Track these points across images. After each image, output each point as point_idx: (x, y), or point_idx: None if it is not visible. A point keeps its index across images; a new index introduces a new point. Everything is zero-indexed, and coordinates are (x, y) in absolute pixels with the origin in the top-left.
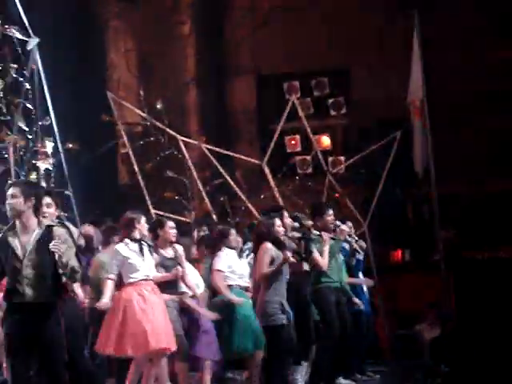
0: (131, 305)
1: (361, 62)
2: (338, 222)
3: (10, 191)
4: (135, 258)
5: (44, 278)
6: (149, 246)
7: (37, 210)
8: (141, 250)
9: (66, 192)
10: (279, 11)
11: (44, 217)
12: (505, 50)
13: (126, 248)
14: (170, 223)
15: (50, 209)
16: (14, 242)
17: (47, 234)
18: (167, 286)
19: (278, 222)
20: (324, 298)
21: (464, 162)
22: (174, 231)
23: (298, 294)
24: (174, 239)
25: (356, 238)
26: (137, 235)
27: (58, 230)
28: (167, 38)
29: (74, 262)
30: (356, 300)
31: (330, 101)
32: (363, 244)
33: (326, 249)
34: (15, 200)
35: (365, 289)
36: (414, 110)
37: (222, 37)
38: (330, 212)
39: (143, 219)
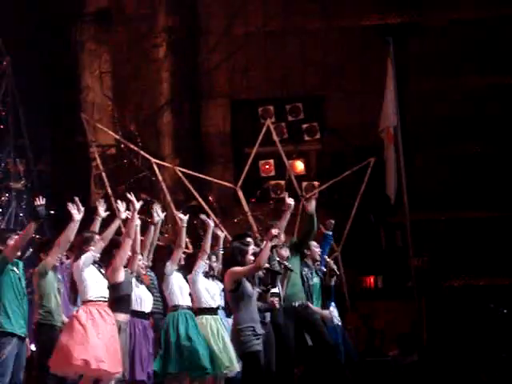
0: (94, 323)
1: (336, 88)
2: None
3: None
4: (96, 272)
5: None
6: (100, 266)
7: None
8: (100, 267)
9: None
10: (255, 36)
11: None
12: (480, 75)
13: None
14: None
15: None
16: None
17: None
18: (120, 306)
19: (251, 249)
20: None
21: (438, 189)
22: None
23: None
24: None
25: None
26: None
27: None
28: (142, 61)
29: None
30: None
31: (305, 126)
32: (335, 267)
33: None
34: None
35: (336, 314)
36: (387, 136)
37: (196, 61)
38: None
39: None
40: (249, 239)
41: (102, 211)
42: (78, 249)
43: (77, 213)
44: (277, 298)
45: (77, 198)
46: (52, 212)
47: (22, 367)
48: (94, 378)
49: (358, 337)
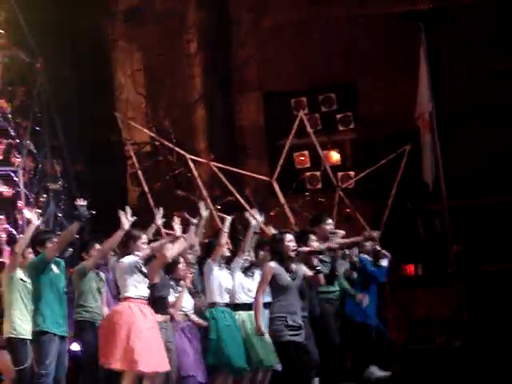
0: (136, 322)
1: (368, 77)
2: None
3: None
4: (138, 274)
5: None
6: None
7: None
8: (141, 267)
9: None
10: (285, 27)
11: None
12: None
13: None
14: (144, 236)
15: None
16: None
17: None
18: (155, 307)
19: (289, 236)
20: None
21: (475, 175)
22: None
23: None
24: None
25: (378, 248)
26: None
27: None
28: (174, 57)
29: None
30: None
31: (338, 116)
32: (387, 253)
33: None
34: None
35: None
36: (423, 123)
37: (228, 54)
38: (329, 221)
39: (144, 237)
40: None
41: (127, 223)
42: (123, 246)
43: (126, 222)
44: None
45: (128, 208)
46: (93, 212)
47: (64, 367)
48: (139, 374)
49: (399, 325)
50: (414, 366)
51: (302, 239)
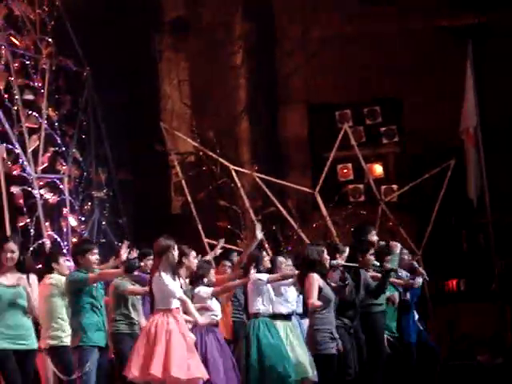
0: (174, 330)
1: (413, 90)
2: (382, 242)
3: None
4: (173, 284)
5: None
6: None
7: None
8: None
9: (120, 221)
10: (330, 40)
11: None
12: None
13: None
14: (193, 253)
15: None
16: None
17: None
18: None
19: (325, 250)
20: (373, 323)
21: None
22: (196, 261)
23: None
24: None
25: (416, 265)
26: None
27: None
28: (219, 68)
29: None
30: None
31: (383, 129)
32: (424, 273)
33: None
34: None
35: (416, 317)
36: (468, 137)
37: (273, 66)
38: (374, 232)
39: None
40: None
41: (125, 254)
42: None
43: (125, 253)
44: (396, 293)
45: (126, 241)
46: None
47: (103, 376)
48: None
49: (441, 341)
50: (454, 382)
51: (336, 251)
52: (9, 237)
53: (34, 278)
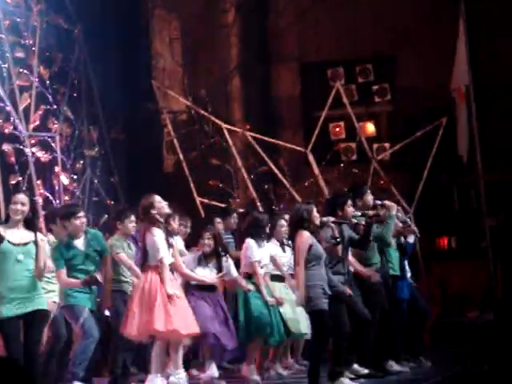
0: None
1: (406, 48)
2: (378, 201)
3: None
4: (161, 240)
5: None
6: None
7: None
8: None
9: (112, 180)
10: None
11: None
12: None
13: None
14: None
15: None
16: None
17: None
18: None
19: (315, 208)
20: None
21: (511, 148)
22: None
23: None
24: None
25: (409, 222)
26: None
27: None
28: (211, 26)
29: None
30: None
31: (375, 87)
32: (416, 230)
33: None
34: None
35: (409, 274)
36: (459, 95)
37: (265, 25)
38: (369, 192)
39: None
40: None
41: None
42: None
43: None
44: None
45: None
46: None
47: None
48: (167, 340)
49: (433, 299)
50: (446, 339)
51: (338, 204)
52: (21, 189)
53: (41, 237)
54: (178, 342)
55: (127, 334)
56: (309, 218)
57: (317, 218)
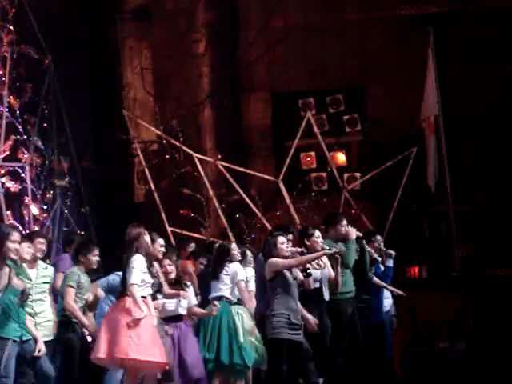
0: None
1: (376, 79)
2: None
3: None
4: (146, 274)
5: None
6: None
7: None
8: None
9: (82, 210)
10: (294, 29)
11: None
12: None
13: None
14: (160, 241)
15: None
16: None
17: None
18: None
19: (281, 239)
20: (338, 310)
21: (482, 178)
22: (163, 249)
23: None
24: (160, 256)
25: (384, 248)
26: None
27: None
28: (182, 56)
29: None
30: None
31: (346, 117)
32: (392, 252)
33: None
34: None
35: (387, 302)
36: (428, 126)
37: (236, 55)
38: (344, 222)
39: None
40: (279, 232)
41: None
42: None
43: None
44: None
45: None
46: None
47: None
48: (140, 371)
49: (403, 328)
50: (416, 369)
51: (306, 236)
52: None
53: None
54: (152, 375)
55: (95, 358)
56: (275, 249)
57: (282, 249)
